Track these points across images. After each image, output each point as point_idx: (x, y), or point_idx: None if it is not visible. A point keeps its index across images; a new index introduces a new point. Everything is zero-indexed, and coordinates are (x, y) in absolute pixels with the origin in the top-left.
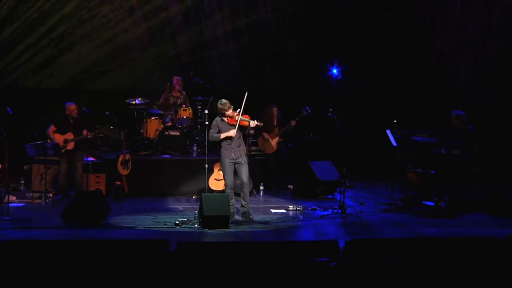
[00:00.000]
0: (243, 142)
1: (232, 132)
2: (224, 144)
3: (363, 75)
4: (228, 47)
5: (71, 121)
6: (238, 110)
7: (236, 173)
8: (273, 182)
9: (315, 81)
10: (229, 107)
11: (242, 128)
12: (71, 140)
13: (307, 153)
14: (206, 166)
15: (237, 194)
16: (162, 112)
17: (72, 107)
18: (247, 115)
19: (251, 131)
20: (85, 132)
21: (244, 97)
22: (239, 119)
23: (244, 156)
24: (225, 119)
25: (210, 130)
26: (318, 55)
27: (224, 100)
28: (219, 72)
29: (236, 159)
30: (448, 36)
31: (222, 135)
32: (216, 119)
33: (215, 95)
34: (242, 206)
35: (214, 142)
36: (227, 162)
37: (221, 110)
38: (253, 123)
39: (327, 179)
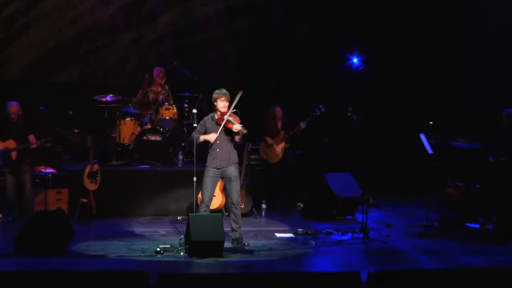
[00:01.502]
0: (234, 150)
1: (212, 136)
2: (208, 149)
3: (390, 66)
4: (221, 31)
5: (13, 125)
6: (234, 110)
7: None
8: (278, 199)
9: (330, 74)
10: (225, 99)
11: (229, 132)
12: (13, 149)
13: (320, 163)
14: (195, 179)
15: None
16: (140, 112)
17: (13, 108)
18: (236, 118)
19: (237, 138)
20: (32, 138)
21: (236, 96)
22: (226, 119)
23: (234, 169)
24: (216, 116)
25: (195, 129)
26: (334, 42)
27: (223, 90)
28: (211, 61)
29: (221, 169)
30: (490, 23)
31: (201, 138)
32: (206, 117)
33: (205, 91)
34: (233, 230)
35: (193, 144)
36: (209, 171)
37: (214, 100)
38: (236, 128)
39: (345, 195)
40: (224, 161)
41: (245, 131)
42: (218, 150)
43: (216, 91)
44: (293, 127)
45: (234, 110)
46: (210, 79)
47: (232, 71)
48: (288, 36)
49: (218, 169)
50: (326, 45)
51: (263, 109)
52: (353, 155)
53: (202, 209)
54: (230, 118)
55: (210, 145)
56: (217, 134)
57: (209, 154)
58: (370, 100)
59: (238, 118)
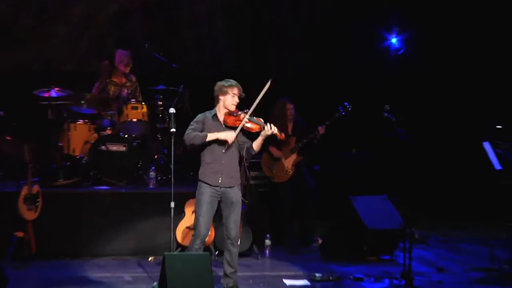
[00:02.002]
0: (238, 166)
1: (231, 135)
2: (207, 159)
3: (441, 50)
4: (210, 1)
5: None
6: (245, 110)
7: (220, 216)
8: (287, 233)
9: (360, 60)
10: (238, 93)
11: (244, 139)
12: None
13: (346, 182)
14: (173, 205)
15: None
16: (96, 112)
17: None
18: (260, 119)
19: (253, 148)
20: None
21: (264, 88)
22: (245, 119)
23: (238, 191)
24: (221, 116)
25: (189, 127)
26: (365, 17)
27: (232, 81)
28: (194, 43)
29: (223, 189)
30: None
31: (212, 136)
32: (203, 114)
33: (187, 83)
34: (225, 275)
35: (193, 145)
36: (207, 191)
37: (222, 93)
38: (269, 130)
39: (380, 226)
40: (229, 178)
41: (281, 136)
42: (223, 162)
43: (224, 82)
44: (308, 132)
45: (245, 110)
46: (194, 67)
47: (225, 56)
48: (300, 10)
49: (219, 188)
50: (355, 20)
51: (267, 106)
52: (391, 172)
53: (196, 246)
54: (252, 118)
55: (208, 154)
56: (236, 133)
57: (206, 165)
58: (415, 95)
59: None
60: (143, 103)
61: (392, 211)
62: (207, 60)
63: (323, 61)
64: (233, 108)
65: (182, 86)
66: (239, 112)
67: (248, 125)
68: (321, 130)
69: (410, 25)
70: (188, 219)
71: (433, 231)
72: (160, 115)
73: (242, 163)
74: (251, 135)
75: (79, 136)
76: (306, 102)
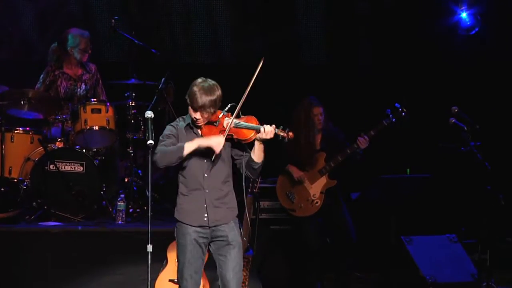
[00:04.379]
0: (231, 191)
1: (216, 142)
2: (183, 187)
3: None
4: None
5: None
6: (230, 105)
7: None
8: (314, 287)
9: (418, 42)
10: (205, 114)
11: (238, 151)
12: None
13: (397, 217)
14: (150, 248)
15: None
16: (42, 117)
17: None
18: (252, 117)
19: (254, 160)
20: None
21: (258, 66)
22: (230, 123)
23: (235, 227)
24: (200, 125)
25: (159, 144)
26: None
27: (211, 81)
28: (180, 18)
29: (212, 227)
30: None
31: (191, 145)
32: (174, 123)
33: (171, 75)
34: None
35: (169, 165)
36: (189, 232)
37: (189, 100)
38: (270, 130)
39: (445, 279)
40: (220, 212)
41: (288, 135)
42: (208, 190)
43: (196, 84)
44: (344, 146)
45: (230, 105)
46: (180, 54)
47: (223, 41)
48: None
49: (207, 229)
50: None
51: (288, 108)
52: (461, 202)
53: None
54: (240, 122)
55: (188, 173)
56: (224, 138)
57: (183, 197)
58: (495, 93)
59: (254, 117)
60: (107, 103)
61: (462, 257)
62: (197, 43)
63: (365, 46)
64: (199, 124)
65: (163, 79)
66: (221, 115)
67: (237, 135)
68: (363, 143)
69: None
70: (171, 269)
71: None
72: (133, 121)
73: (248, 190)
74: (249, 144)
75: (17, 150)
76: (341, 100)
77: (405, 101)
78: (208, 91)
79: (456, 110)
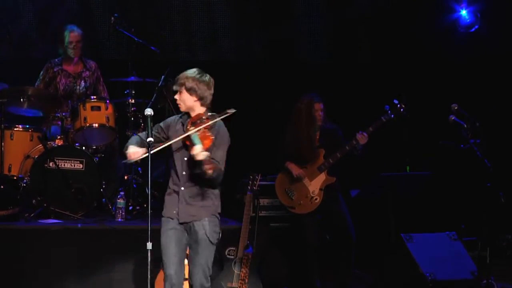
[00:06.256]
0: (210, 191)
1: (132, 151)
2: (170, 179)
3: None
4: None
5: None
6: (209, 115)
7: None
8: (313, 284)
9: (417, 39)
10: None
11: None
12: None
13: (397, 214)
14: (150, 246)
15: None
16: (42, 114)
17: None
18: (209, 134)
19: (206, 169)
20: None
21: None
22: (193, 131)
23: (208, 224)
24: (182, 111)
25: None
26: None
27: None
28: (180, 15)
29: (182, 223)
30: None
31: (126, 148)
32: (172, 117)
33: (171, 70)
34: None
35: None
36: (164, 224)
37: (194, 88)
38: (198, 151)
39: (444, 276)
40: (190, 210)
41: (210, 167)
42: (182, 187)
43: (194, 72)
44: (343, 142)
45: (210, 114)
46: (182, 50)
47: (222, 34)
48: None
49: (173, 221)
50: None
51: (288, 105)
52: (461, 200)
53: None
54: (196, 133)
55: (172, 173)
56: (159, 148)
57: (167, 191)
58: (496, 90)
59: (209, 135)
60: (107, 101)
61: (462, 254)
62: (200, 40)
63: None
64: (181, 108)
65: (163, 77)
66: (204, 118)
67: (190, 143)
68: (361, 139)
69: None
70: None
71: None
72: (132, 119)
73: (248, 188)
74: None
75: (17, 148)
76: (340, 95)
77: (403, 97)
78: (199, 75)
79: (456, 108)
